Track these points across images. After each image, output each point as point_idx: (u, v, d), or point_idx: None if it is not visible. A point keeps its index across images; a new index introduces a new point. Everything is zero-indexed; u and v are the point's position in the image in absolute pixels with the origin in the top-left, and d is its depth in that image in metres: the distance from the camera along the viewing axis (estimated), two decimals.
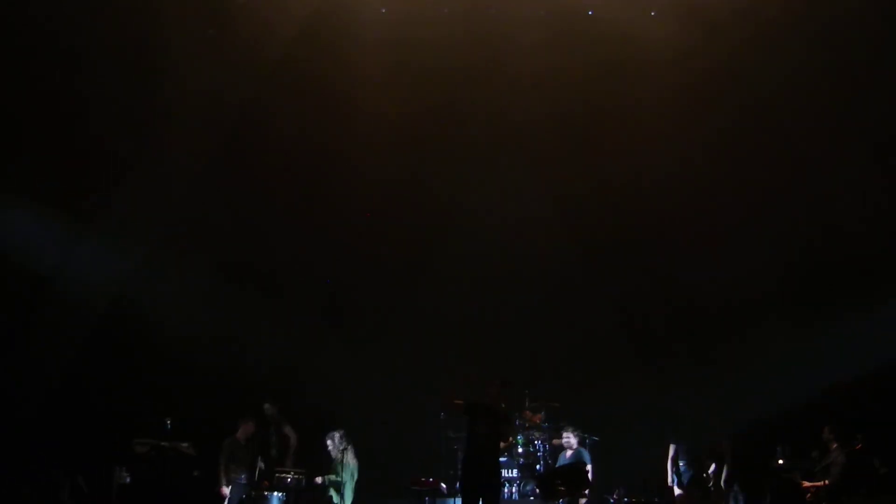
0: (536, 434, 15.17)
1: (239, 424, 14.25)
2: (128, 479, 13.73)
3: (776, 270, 15.79)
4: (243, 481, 13.92)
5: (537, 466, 14.85)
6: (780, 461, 14.40)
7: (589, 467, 13.72)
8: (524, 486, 14.81)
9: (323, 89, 15.03)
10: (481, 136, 15.92)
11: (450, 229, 16.84)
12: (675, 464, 14.02)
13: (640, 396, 15.59)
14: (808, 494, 13.95)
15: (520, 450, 14.98)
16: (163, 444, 13.74)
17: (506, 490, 14.68)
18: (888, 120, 14.65)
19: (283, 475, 14.04)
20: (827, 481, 14.00)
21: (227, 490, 13.82)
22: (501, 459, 14.75)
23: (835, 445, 14.09)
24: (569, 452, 14.26)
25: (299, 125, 15.27)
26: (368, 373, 16.65)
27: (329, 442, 14.31)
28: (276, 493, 13.79)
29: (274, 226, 16.29)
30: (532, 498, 14.33)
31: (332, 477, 14.28)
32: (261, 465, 14.17)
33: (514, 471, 14.89)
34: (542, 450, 14.93)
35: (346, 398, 16.24)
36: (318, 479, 14.33)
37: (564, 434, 14.37)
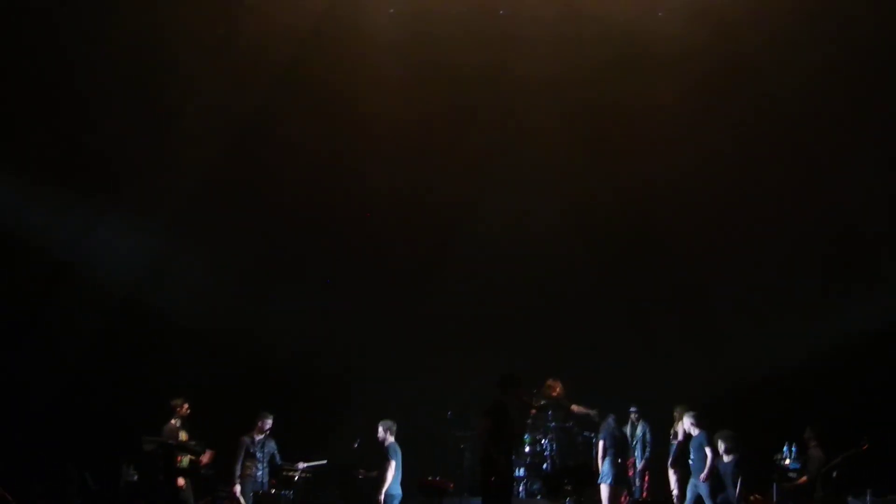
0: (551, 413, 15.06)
1: (256, 421, 14.22)
2: (135, 477, 13.77)
3: (789, 268, 15.81)
4: (260, 478, 13.93)
5: (544, 465, 14.79)
6: (787, 461, 14.38)
7: None
8: (531, 484, 14.76)
9: (331, 91, 15.06)
10: (492, 138, 15.92)
11: (461, 232, 16.94)
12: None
13: (648, 393, 15.49)
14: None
15: (527, 448, 14.89)
16: (171, 442, 13.79)
17: (513, 488, 14.68)
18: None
19: (291, 472, 14.08)
20: (805, 478, 14.07)
21: (238, 488, 13.81)
22: None
23: (814, 443, 14.12)
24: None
25: (308, 127, 15.27)
26: (378, 371, 16.73)
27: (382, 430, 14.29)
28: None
29: (285, 223, 16.31)
30: (539, 497, 14.26)
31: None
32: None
33: (521, 469, 14.83)
34: (548, 448, 14.85)
35: (356, 397, 16.34)
36: (361, 474, 14.35)
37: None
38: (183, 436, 13.76)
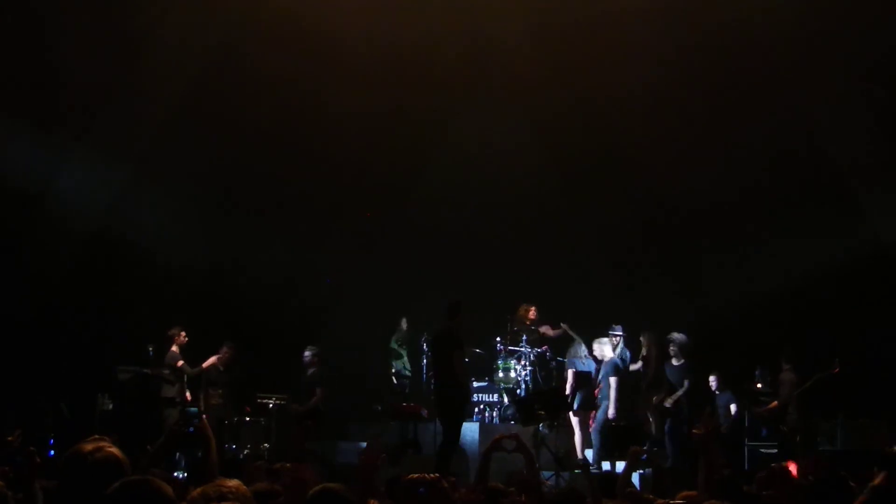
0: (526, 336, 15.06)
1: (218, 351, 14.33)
2: (111, 406, 13.86)
3: (746, 181, 15.79)
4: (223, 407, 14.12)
5: (517, 391, 14.86)
6: (759, 385, 14.52)
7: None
8: (504, 410, 14.85)
9: (298, 18, 14.70)
10: (459, 62, 15.65)
11: (432, 155, 16.81)
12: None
13: (616, 310, 15.51)
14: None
15: (500, 374, 14.97)
16: (145, 370, 13.89)
17: (486, 414, 14.83)
18: (869, 43, 14.25)
19: (265, 400, 14.19)
20: (776, 402, 14.23)
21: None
22: (482, 384, 15.04)
23: (787, 367, 14.24)
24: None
25: (275, 54, 14.99)
26: (354, 295, 16.82)
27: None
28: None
29: (256, 153, 16.16)
30: (513, 422, 14.33)
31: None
32: None
33: (495, 395, 14.94)
34: (521, 374, 14.89)
35: (330, 321, 16.43)
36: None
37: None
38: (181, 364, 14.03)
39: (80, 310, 15.12)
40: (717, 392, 14.72)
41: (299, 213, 16.89)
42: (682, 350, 14.32)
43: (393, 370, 15.49)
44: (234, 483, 4.55)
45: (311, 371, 14.62)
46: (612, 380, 13.76)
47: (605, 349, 14.07)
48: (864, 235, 15.19)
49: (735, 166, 15.61)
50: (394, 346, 15.63)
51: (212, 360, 14.14)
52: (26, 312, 14.58)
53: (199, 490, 4.47)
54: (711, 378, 14.71)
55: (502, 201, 17.17)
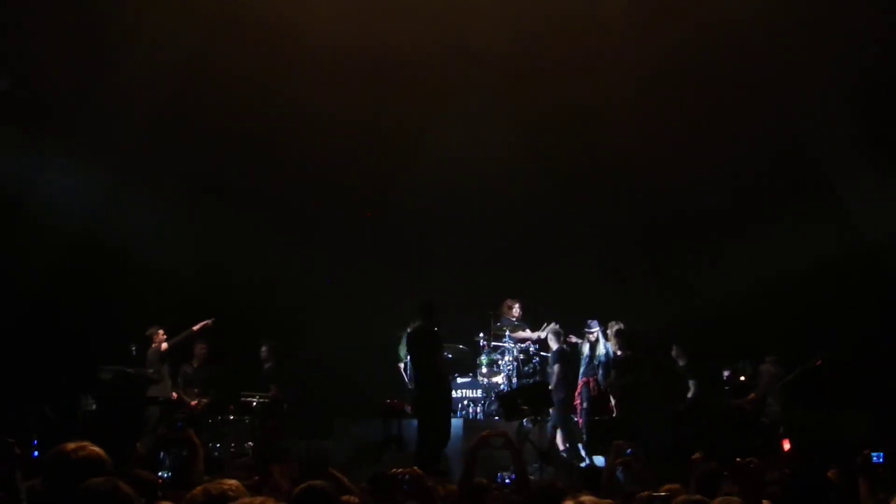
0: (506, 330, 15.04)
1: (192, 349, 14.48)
2: (94, 406, 13.82)
3: (733, 181, 15.92)
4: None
5: (501, 386, 14.89)
6: (742, 378, 14.61)
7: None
8: (488, 405, 14.88)
9: (276, 23, 14.68)
10: (440, 64, 15.64)
11: (414, 159, 16.81)
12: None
13: (603, 307, 15.57)
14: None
15: (483, 370, 15.00)
16: (128, 370, 13.88)
17: (470, 410, 14.85)
18: (855, 42, 14.34)
19: (249, 399, 14.19)
20: (754, 394, 14.32)
21: None
22: (466, 380, 15.08)
23: (769, 359, 14.34)
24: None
25: (255, 60, 14.98)
26: (336, 294, 16.86)
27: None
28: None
29: (236, 156, 16.12)
30: (497, 418, 14.38)
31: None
32: None
33: (479, 391, 14.96)
34: (505, 369, 14.92)
35: (315, 319, 16.48)
36: None
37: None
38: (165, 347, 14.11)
39: (61, 310, 15.06)
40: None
41: (282, 213, 16.85)
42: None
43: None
44: (233, 483, 4.65)
45: (267, 366, 14.67)
46: (556, 367, 14.13)
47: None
48: (848, 233, 15.31)
49: (722, 166, 15.70)
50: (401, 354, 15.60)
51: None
52: (7, 314, 14.52)
53: (200, 489, 4.58)
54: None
55: (487, 201, 17.16)
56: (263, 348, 14.68)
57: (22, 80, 14.46)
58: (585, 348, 14.48)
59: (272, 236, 16.65)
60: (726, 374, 15.00)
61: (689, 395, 14.53)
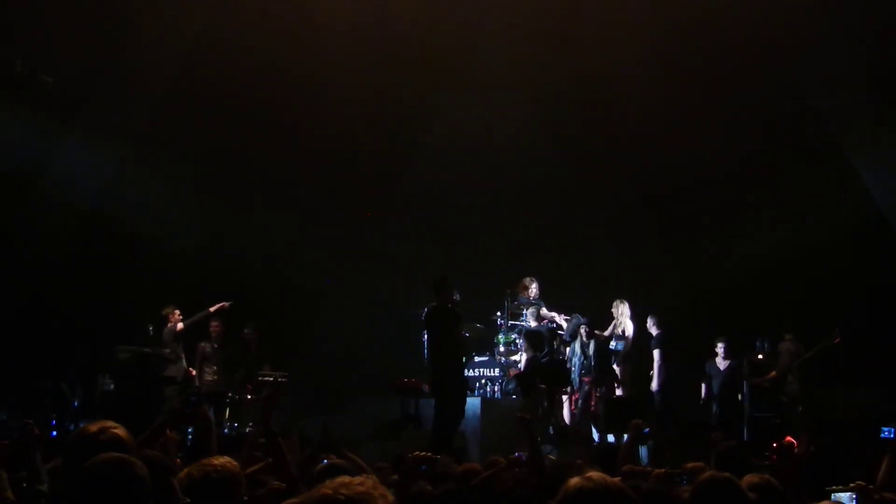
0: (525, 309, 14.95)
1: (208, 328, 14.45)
2: (111, 386, 13.82)
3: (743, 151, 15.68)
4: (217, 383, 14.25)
5: (518, 364, 14.81)
6: (760, 356, 14.49)
7: None
8: (506, 384, 14.82)
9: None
10: (454, 39, 15.53)
11: (429, 134, 16.79)
12: None
13: (616, 284, 15.48)
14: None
15: (501, 348, 14.94)
16: (146, 350, 13.86)
17: (488, 388, 14.81)
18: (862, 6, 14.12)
19: (265, 377, 14.16)
20: (774, 372, 14.20)
21: None
22: (483, 359, 15.03)
23: (788, 337, 14.21)
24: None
25: (266, 37, 14.89)
26: (350, 272, 16.80)
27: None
28: None
29: (248, 133, 16.04)
30: (514, 396, 14.34)
31: None
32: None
33: (497, 369, 14.91)
34: (523, 347, 14.83)
35: (327, 298, 16.38)
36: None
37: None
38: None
39: (78, 290, 15.04)
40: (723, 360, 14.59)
41: (296, 190, 16.80)
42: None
43: None
44: (221, 460, 4.58)
45: (252, 349, 14.75)
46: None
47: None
48: (863, 203, 15.08)
49: (733, 136, 15.50)
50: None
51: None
52: (25, 294, 14.54)
53: (185, 471, 4.52)
54: (719, 345, 14.58)
55: (501, 177, 17.08)
56: (246, 330, 14.70)
57: (32, 61, 14.42)
58: (577, 347, 14.40)
59: (286, 213, 16.60)
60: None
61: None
